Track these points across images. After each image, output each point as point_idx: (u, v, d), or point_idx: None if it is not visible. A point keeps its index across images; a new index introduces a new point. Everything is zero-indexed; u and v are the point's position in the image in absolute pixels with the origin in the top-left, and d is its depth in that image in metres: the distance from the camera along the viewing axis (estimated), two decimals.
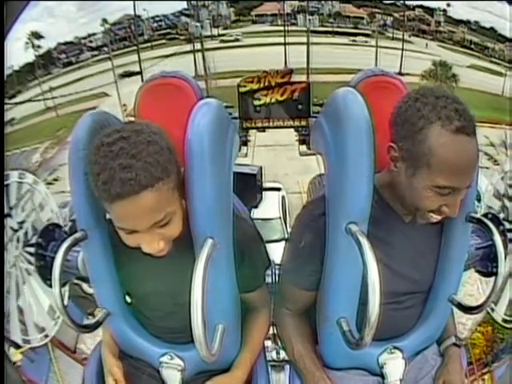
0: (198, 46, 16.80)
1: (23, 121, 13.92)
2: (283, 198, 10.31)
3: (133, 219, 1.03)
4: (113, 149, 0.98)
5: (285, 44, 16.26)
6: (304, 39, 15.91)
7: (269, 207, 9.36)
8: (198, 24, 16.95)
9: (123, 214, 1.03)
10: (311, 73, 14.95)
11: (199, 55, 16.55)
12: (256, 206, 2.06)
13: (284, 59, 15.63)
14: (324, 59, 15.63)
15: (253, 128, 2.17)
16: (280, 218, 9.95)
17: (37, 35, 15.03)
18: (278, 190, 10.17)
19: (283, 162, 11.89)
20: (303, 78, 14.43)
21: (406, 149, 1.12)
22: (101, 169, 0.98)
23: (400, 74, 15.65)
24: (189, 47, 16.90)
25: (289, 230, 9.77)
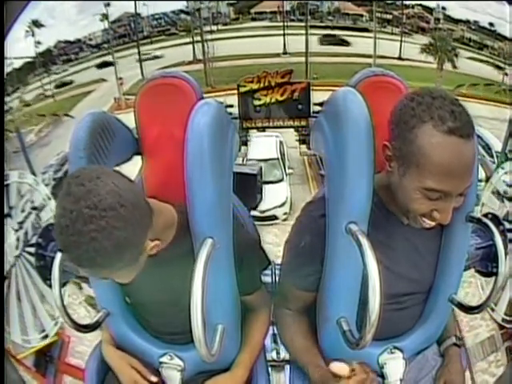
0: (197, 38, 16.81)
1: (20, 109, 13.99)
2: (281, 142, 10.63)
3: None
4: (62, 218, 0.91)
5: (283, 27, 16.32)
6: (303, 31, 15.93)
7: (267, 149, 9.86)
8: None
9: None
10: (310, 55, 14.96)
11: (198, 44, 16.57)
12: (256, 207, 2.06)
13: (283, 43, 15.68)
14: (323, 46, 15.65)
15: (253, 128, 2.17)
16: (278, 159, 10.33)
17: (37, 24, 14.99)
18: (276, 136, 10.41)
19: None
20: (302, 59, 14.50)
21: (399, 148, 1.10)
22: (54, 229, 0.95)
23: (399, 58, 15.67)
24: (188, 39, 16.91)
25: (287, 171, 10.23)
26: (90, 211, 0.90)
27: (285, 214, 9.70)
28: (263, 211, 8.94)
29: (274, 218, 9.41)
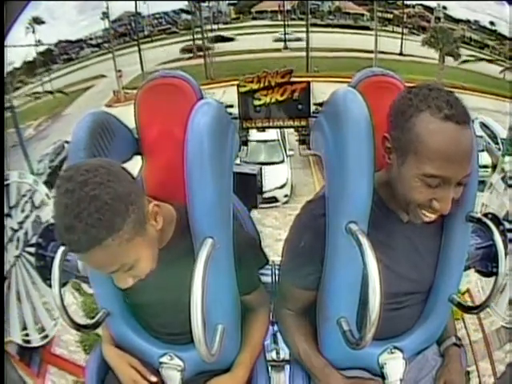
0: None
1: (21, 106, 14.07)
2: None
3: (91, 266, 1.07)
4: (60, 203, 0.95)
5: (284, 25, 16.40)
6: (303, 28, 15.99)
7: (267, 131, 9.91)
8: None
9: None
10: (311, 50, 15.02)
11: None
12: (256, 207, 2.07)
13: (284, 39, 15.78)
14: (323, 41, 15.70)
15: (253, 128, 2.16)
16: (278, 140, 10.42)
17: (38, 21, 14.95)
18: None
19: None
20: (303, 54, 14.55)
21: (397, 137, 1.11)
22: (55, 223, 0.98)
23: (401, 54, 15.74)
24: (188, 36, 16.97)
25: (288, 153, 10.33)
26: (84, 177, 0.95)
27: (285, 196, 9.70)
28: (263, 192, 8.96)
29: (275, 200, 9.40)
